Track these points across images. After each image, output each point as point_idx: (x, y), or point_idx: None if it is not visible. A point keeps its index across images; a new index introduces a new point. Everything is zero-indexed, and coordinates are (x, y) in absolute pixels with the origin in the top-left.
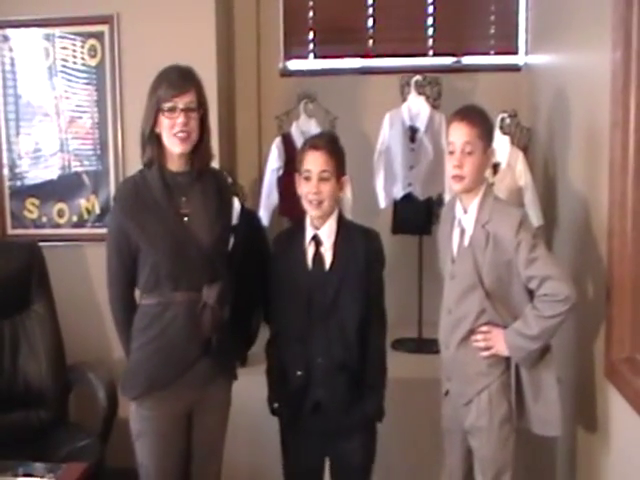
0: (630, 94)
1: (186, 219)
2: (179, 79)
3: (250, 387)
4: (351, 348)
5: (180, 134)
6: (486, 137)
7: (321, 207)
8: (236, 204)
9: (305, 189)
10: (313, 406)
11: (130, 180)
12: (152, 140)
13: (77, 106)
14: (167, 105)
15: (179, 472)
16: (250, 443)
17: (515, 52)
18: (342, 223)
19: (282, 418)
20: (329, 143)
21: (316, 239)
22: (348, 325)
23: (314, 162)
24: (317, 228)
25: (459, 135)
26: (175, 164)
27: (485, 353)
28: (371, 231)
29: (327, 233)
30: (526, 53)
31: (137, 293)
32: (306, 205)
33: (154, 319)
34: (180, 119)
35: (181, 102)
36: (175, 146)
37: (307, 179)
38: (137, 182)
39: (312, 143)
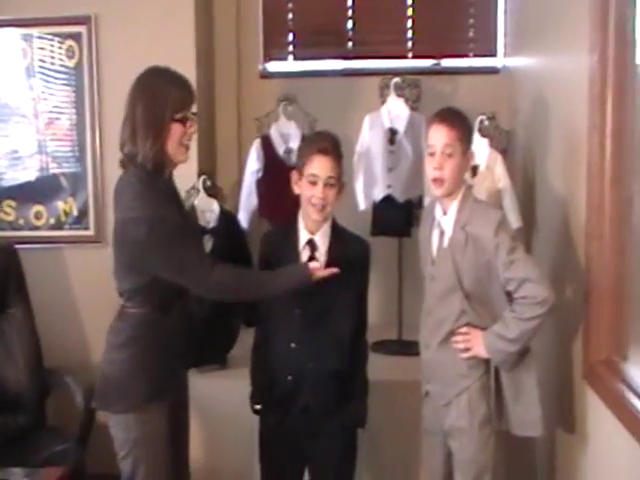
0: (607, 97)
1: (184, 221)
2: (188, 85)
3: (231, 390)
4: (342, 355)
5: (188, 143)
6: (466, 139)
7: (324, 211)
8: (215, 206)
9: (309, 192)
10: (301, 410)
11: (144, 184)
12: (159, 149)
13: (55, 107)
14: (186, 113)
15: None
16: (231, 445)
17: (494, 55)
18: (335, 228)
19: (264, 421)
20: (337, 148)
21: (311, 243)
22: (341, 331)
23: (322, 167)
24: (312, 232)
25: (439, 137)
26: (168, 170)
27: (464, 355)
28: (364, 240)
29: (322, 238)
30: (505, 56)
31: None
32: (308, 208)
33: (151, 327)
34: (192, 128)
35: (192, 110)
36: (182, 155)
37: (313, 183)
38: (152, 191)
39: (321, 147)
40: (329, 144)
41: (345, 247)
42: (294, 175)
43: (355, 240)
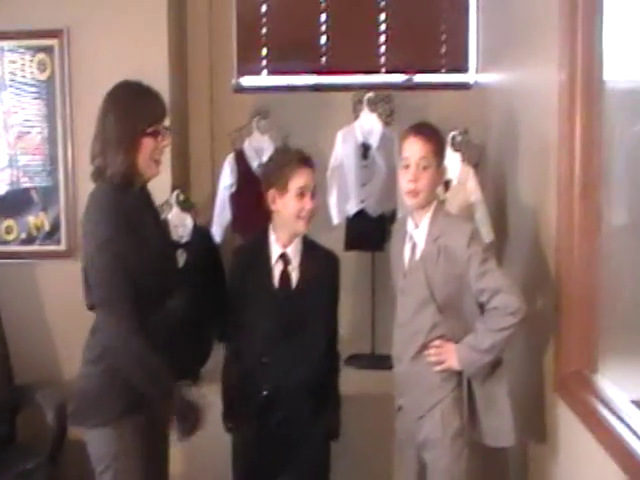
0: (576, 113)
1: (155, 235)
2: (160, 99)
3: (205, 405)
4: (316, 367)
5: (159, 157)
6: (440, 153)
7: (310, 223)
8: (188, 221)
9: (297, 206)
10: (276, 424)
11: (112, 206)
12: (129, 163)
13: (26, 121)
14: (158, 127)
15: None
16: (205, 461)
17: (466, 70)
18: (306, 242)
19: (238, 437)
20: (311, 161)
21: (284, 257)
22: (313, 345)
23: (309, 178)
24: (285, 246)
25: (414, 150)
26: (138, 184)
27: (438, 368)
28: (333, 254)
29: (294, 252)
30: (476, 71)
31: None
32: (296, 222)
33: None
34: (165, 142)
35: (164, 124)
36: (153, 170)
37: (302, 195)
38: (118, 206)
39: (302, 158)
40: (305, 155)
41: (316, 260)
42: (272, 195)
43: (325, 253)
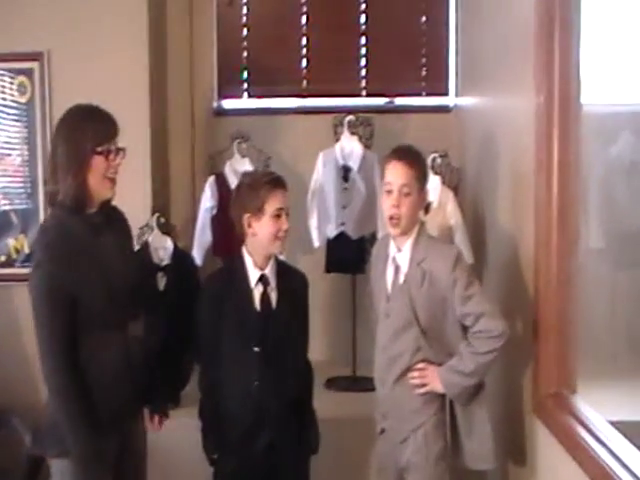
0: (553, 137)
1: (109, 259)
2: (111, 118)
3: (184, 429)
4: (302, 383)
5: (113, 176)
6: (422, 179)
7: (285, 243)
8: (169, 243)
9: (274, 228)
10: (266, 447)
11: (55, 230)
12: (80, 184)
13: (6, 143)
14: (106, 147)
15: None
16: None
17: (445, 94)
18: (279, 262)
19: (223, 467)
20: (284, 181)
21: (264, 279)
22: (298, 361)
23: (284, 199)
24: (262, 269)
25: (397, 176)
26: (93, 207)
27: (421, 390)
28: (302, 272)
29: (271, 273)
30: (456, 95)
31: None
32: (274, 244)
33: (85, 366)
34: (117, 160)
35: (115, 143)
36: (108, 190)
37: (278, 217)
38: (62, 230)
39: (276, 180)
40: (277, 176)
41: (290, 280)
42: (247, 219)
43: (295, 272)
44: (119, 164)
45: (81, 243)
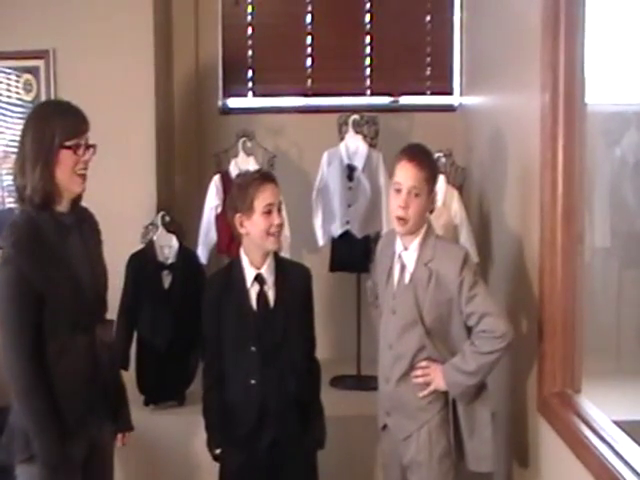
0: (558, 136)
1: (77, 260)
2: (81, 113)
3: (190, 427)
4: (303, 381)
5: (83, 172)
6: (432, 180)
7: (280, 238)
8: (174, 242)
9: (265, 224)
10: (268, 444)
11: (24, 226)
12: (47, 179)
13: (11, 141)
14: (74, 142)
15: None
16: None
17: (450, 93)
18: (278, 260)
19: (228, 464)
20: (273, 177)
21: (259, 278)
22: (298, 360)
23: (273, 194)
24: (258, 268)
25: (407, 177)
26: (63, 204)
27: (424, 392)
28: (304, 266)
29: (268, 271)
30: (461, 94)
31: None
32: (266, 240)
33: (51, 367)
34: (86, 156)
35: (85, 138)
36: (77, 185)
37: (269, 213)
38: (31, 227)
39: (265, 176)
40: (266, 172)
41: (289, 276)
42: (239, 219)
43: (297, 268)
44: (88, 160)
45: (50, 242)
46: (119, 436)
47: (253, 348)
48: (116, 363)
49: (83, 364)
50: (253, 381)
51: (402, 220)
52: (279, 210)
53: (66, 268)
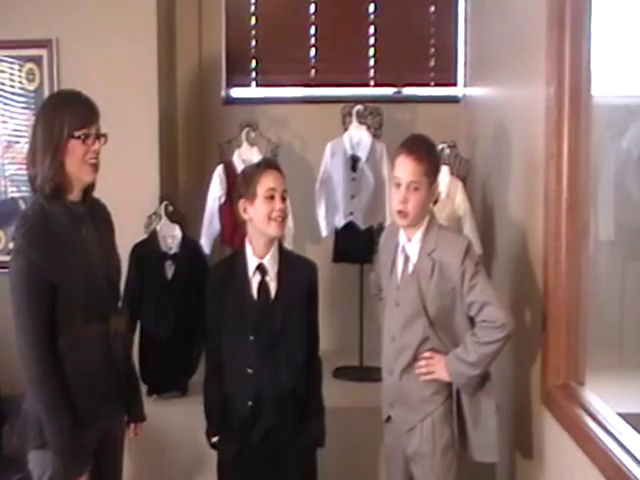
0: (563, 127)
1: (89, 249)
2: (90, 103)
3: (192, 417)
4: (299, 375)
5: (93, 161)
6: (432, 173)
7: (283, 225)
8: (177, 232)
9: (267, 208)
10: (262, 435)
11: (35, 216)
12: (57, 168)
13: (14, 131)
14: (84, 131)
15: None
16: (191, 474)
17: (454, 84)
18: (282, 252)
19: (223, 452)
20: (276, 163)
21: (261, 268)
22: (296, 353)
23: (276, 180)
24: (261, 257)
25: (405, 172)
26: (74, 194)
27: (427, 377)
28: (310, 261)
29: (271, 262)
30: (465, 85)
31: None
32: (269, 225)
33: (65, 356)
34: (95, 146)
35: (95, 128)
36: (88, 175)
37: (271, 198)
38: (42, 216)
39: (268, 163)
40: (272, 161)
41: (293, 269)
42: (243, 204)
43: (302, 262)
44: (98, 149)
45: (62, 231)
46: (131, 426)
47: (251, 337)
48: (130, 354)
49: (97, 354)
50: (250, 370)
51: (403, 214)
52: (283, 198)
53: (78, 257)
